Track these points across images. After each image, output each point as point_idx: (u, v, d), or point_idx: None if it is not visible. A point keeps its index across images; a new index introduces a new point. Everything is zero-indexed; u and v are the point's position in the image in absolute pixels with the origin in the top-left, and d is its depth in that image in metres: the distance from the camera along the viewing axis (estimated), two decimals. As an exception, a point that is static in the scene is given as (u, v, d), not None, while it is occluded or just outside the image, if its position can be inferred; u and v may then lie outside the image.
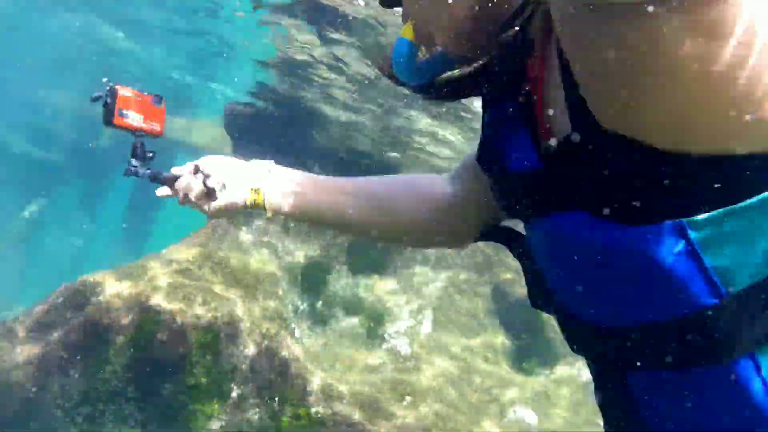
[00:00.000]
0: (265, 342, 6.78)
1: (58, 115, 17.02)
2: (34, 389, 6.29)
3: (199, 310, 6.29)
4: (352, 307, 9.22)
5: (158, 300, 6.18)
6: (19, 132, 18.65)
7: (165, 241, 8.04)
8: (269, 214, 1.51)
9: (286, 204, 1.49)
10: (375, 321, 9.20)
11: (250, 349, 6.64)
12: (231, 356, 6.52)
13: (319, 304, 8.98)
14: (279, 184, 1.50)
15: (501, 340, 9.99)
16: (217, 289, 6.72)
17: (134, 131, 1.73)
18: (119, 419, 6.71)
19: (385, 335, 9.22)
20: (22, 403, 6.34)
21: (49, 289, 7.08)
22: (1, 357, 6.59)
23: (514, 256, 1.28)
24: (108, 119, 1.71)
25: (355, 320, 9.13)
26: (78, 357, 6.37)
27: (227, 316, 6.46)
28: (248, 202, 1.55)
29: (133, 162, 1.75)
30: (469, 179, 1.37)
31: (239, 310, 6.68)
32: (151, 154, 1.77)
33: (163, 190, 1.75)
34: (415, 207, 1.44)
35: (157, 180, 1.73)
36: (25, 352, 6.48)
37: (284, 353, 6.96)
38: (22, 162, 18.09)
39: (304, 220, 1.62)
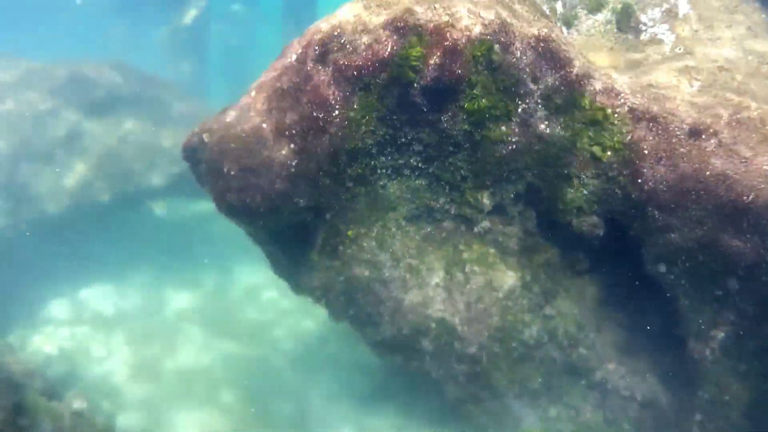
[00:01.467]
0: (541, 45, 5.66)
1: None
2: (295, 161, 5.63)
3: (466, 21, 5.20)
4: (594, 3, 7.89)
5: (418, 18, 5.12)
6: None
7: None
8: None
9: None
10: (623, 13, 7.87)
11: (528, 56, 5.56)
12: (509, 67, 5.48)
13: (558, 5, 7.72)
14: None
15: None
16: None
17: None
18: (395, 170, 6.02)
19: (640, 25, 7.90)
20: (285, 179, 5.75)
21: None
22: (252, 135, 5.92)
23: None
24: None
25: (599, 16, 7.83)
26: (335, 113, 5.57)
27: (496, 23, 5.34)
28: None
29: None
30: None
31: (504, 14, 5.54)
32: None
33: None
34: None
35: None
36: (272, 125, 5.78)
37: (563, 53, 5.86)
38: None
39: None
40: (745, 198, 5.25)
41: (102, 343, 10.94)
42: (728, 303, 5.46)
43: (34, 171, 11.57)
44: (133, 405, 9.59)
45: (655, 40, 7.62)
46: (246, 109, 5.84)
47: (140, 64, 14.40)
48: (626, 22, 7.71)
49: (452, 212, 6.04)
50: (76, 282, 12.06)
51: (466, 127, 5.54)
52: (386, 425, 8.37)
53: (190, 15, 16.97)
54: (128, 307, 11.91)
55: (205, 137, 6.08)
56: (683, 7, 7.77)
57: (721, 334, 5.61)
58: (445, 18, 5.21)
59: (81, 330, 11.25)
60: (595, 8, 7.60)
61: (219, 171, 5.82)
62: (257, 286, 12.43)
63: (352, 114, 5.51)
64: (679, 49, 7.31)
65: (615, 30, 7.65)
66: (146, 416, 9.41)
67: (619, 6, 7.67)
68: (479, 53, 5.23)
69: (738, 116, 5.69)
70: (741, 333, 5.51)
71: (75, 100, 12.09)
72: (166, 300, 12.10)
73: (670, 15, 7.64)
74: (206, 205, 13.27)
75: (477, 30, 5.24)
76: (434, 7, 5.25)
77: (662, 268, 5.84)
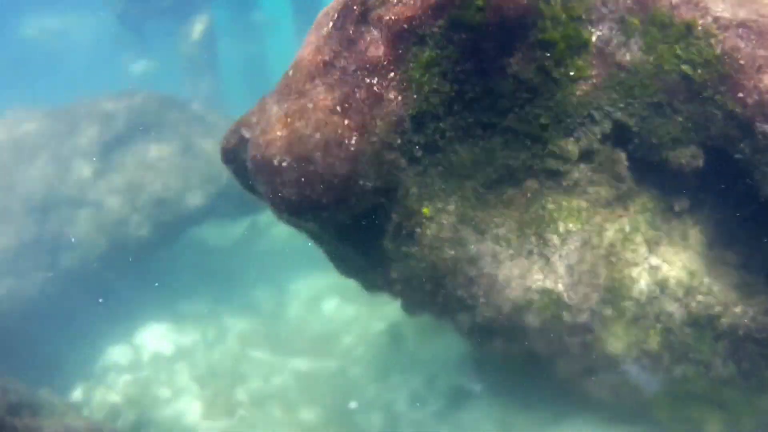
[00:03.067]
0: (607, -41, 4.95)
1: None
2: (354, 139, 4.98)
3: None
4: None
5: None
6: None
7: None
8: None
9: None
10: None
11: (596, -27, 4.84)
12: (577, -10, 4.77)
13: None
14: None
15: None
16: None
17: None
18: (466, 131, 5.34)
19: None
20: (346, 160, 5.12)
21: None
22: (300, 119, 5.28)
23: None
24: None
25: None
26: (391, 75, 4.89)
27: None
28: None
29: None
30: None
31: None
32: None
33: None
34: None
35: None
36: (320, 103, 5.13)
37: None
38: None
39: None
40: None
41: (167, 384, 10.45)
42: None
43: (66, 218, 11.10)
44: (212, 442, 9.04)
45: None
46: (287, 92, 5.20)
47: (157, 88, 14.02)
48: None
49: (535, 168, 5.35)
50: (131, 325, 11.64)
51: (541, 65, 4.84)
52: (487, 419, 7.71)
53: (197, 31, 16.60)
54: (187, 341, 11.44)
55: (246, 133, 5.44)
56: None
57: None
58: (498, -57, 4.51)
59: (143, 374, 10.81)
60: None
61: (269, 165, 5.18)
62: (315, 296, 11.92)
63: (410, 74, 4.83)
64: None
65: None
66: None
67: None
68: (543, -23, 4.54)
69: None
70: None
71: (96, 135, 11.62)
72: (225, 328, 11.63)
73: None
74: (250, 222, 12.87)
75: (536, -49, 4.54)
76: (482, -66, 4.56)
77: (786, 188, 5.11)
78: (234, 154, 5.83)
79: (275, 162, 5.26)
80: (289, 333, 11.37)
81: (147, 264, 11.96)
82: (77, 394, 10.57)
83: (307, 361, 10.59)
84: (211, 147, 11.74)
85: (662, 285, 5.77)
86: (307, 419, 9.34)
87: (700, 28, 5.26)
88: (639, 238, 5.81)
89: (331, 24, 5.11)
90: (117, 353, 11.63)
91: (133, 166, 11.87)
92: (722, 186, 5.70)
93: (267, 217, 11.23)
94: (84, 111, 12.42)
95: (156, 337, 11.85)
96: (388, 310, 9.00)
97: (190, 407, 10.02)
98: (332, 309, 11.75)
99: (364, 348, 10.45)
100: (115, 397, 10.35)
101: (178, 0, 17.08)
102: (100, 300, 11.04)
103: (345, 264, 6.40)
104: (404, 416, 8.59)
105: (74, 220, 11.44)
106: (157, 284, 11.78)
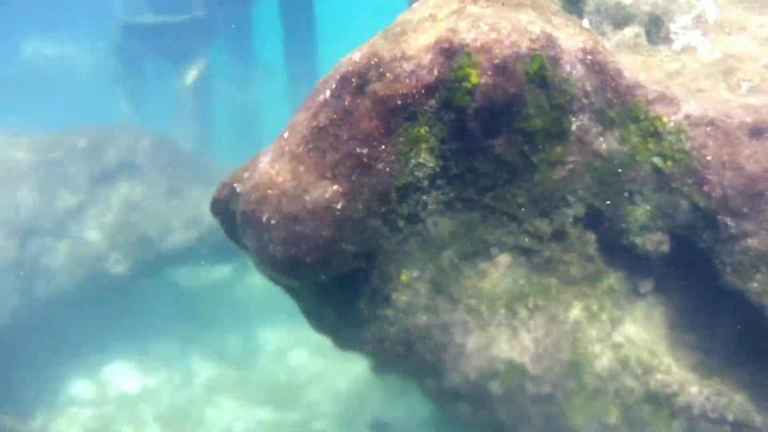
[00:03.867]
0: (589, 57, 5.34)
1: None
2: (340, 204, 5.24)
3: (514, 37, 4.87)
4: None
5: (463, 38, 4.78)
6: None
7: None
8: None
9: None
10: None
11: (578, 70, 5.22)
12: (561, 83, 5.14)
13: (584, 22, 7.47)
14: None
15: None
16: (508, 14, 5.25)
17: None
18: (447, 205, 5.63)
19: (671, 35, 7.66)
20: (331, 224, 5.36)
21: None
22: (290, 179, 5.54)
23: None
24: None
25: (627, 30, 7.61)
26: (381, 147, 5.20)
27: (543, 38, 5.02)
28: None
29: None
30: None
31: (548, 29, 5.23)
32: None
33: None
34: None
35: None
36: (312, 167, 5.40)
37: (612, 64, 5.55)
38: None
39: None
40: None
41: (129, 422, 10.43)
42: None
43: (46, 245, 11.18)
44: (170, 486, 9.02)
45: (689, 48, 7.36)
46: (280, 152, 5.47)
47: (148, 125, 14.23)
48: (656, 33, 7.46)
49: (509, 244, 5.62)
50: (98, 359, 11.64)
51: (521, 149, 5.16)
52: (447, 482, 7.83)
53: (192, 76, 16.89)
54: (154, 382, 11.45)
55: (238, 187, 5.68)
56: (712, 12, 7.54)
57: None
58: (493, 35, 4.87)
59: (106, 409, 10.79)
60: (622, 22, 7.36)
61: (258, 221, 5.41)
62: (285, 348, 12.05)
63: (399, 147, 5.12)
64: (718, 53, 7.05)
65: (645, 43, 7.40)
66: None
67: (647, 18, 7.42)
68: (531, 70, 4.89)
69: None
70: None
71: (84, 168, 11.78)
72: (192, 371, 11.65)
73: (701, 21, 7.40)
74: (225, 269, 13.00)
75: (526, 45, 4.92)
76: (478, 25, 4.92)
77: (742, 278, 5.44)
78: (224, 206, 6.04)
79: (264, 219, 5.49)
80: (256, 382, 11.42)
81: (121, 301, 12.00)
82: (37, 423, 10.50)
83: (271, 411, 10.63)
84: (197, 192, 11.91)
85: (624, 362, 6.03)
86: (266, 470, 9.37)
87: (672, 124, 5.64)
88: (604, 316, 6.09)
89: (328, 92, 5.40)
90: (81, 386, 11.58)
91: (117, 202, 11.98)
92: (686, 272, 6.01)
93: (244, 265, 11.39)
94: (75, 141, 12.56)
95: (122, 374, 11.83)
96: (355, 368, 9.13)
97: (150, 449, 9.99)
98: (301, 361, 11.85)
99: (329, 403, 10.54)
100: (75, 430, 10.30)
101: (177, 41, 17.36)
102: (74, 327, 11.03)
103: (319, 321, 6.58)
104: (364, 474, 8.67)
105: (53, 250, 11.49)
106: (129, 321, 11.81)
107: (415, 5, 6.02)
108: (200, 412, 10.97)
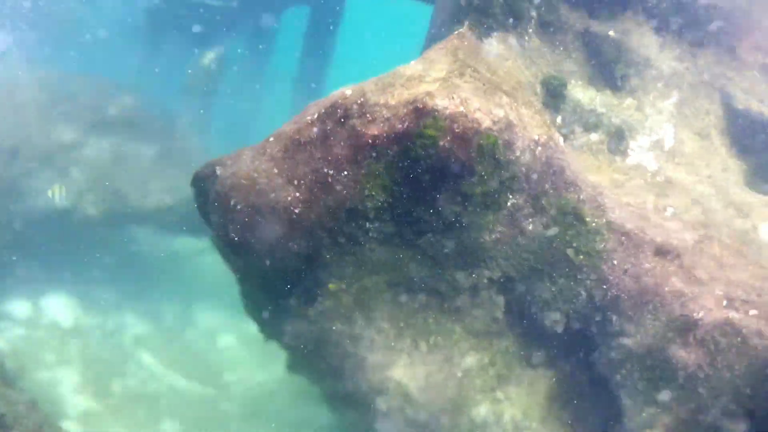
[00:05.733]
0: (539, 149, 6.25)
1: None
2: (298, 210, 6.08)
3: (478, 114, 5.79)
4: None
5: (436, 103, 5.69)
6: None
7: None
8: None
9: None
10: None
11: (526, 156, 6.14)
12: (508, 163, 6.04)
13: (558, 119, 8.39)
14: None
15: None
16: (483, 95, 6.17)
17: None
18: (386, 237, 6.46)
19: (629, 150, 8.62)
20: (285, 223, 6.17)
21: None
22: (263, 177, 6.37)
23: None
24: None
25: (594, 136, 8.52)
26: (344, 173, 6.07)
27: (504, 121, 5.94)
28: None
29: None
30: None
31: (512, 116, 6.14)
32: None
33: None
34: None
35: None
36: (284, 172, 6.24)
37: (558, 160, 6.45)
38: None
39: None
40: (695, 315, 5.82)
41: (55, 351, 10.99)
42: (666, 407, 5.91)
43: (30, 170, 11.80)
44: (74, 417, 9.64)
45: (639, 166, 8.30)
46: (262, 152, 6.31)
47: (155, 93, 14.84)
48: (617, 145, 8.38)
49: (429, 286, 6.45)
50: (43, 287, 12.17)
51: (459, 209, 6.02)
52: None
53: (209, 57, 17.57)
54: (87, 322, 12.03)
55: (218, 170, 6.51)
56: (669, 141, 8.50)
57: (656, 437, 6.03)
58: (461, 108, 5.77)
59: (36, 334, 11.33)
60: (591, 127, 8.26)
61: (226, 204, 6.23)
62: (216, 329, 12.66)
63: (359, 177, 5.97)
64: (660, 177, 7.97)
65: (606, 150, 8.30)
66: (84, 430, 9.46)
67: (614, 129, 8.34)
68: (485, 144, 5.77)
69: (702, 244, 6.30)
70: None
71: (87, 113, 12.46)
72: (125, 323, 12.26)
73: (658, 146, 8.35)
74: (186, 243, 13.65)
75: (486, 124, 5.80)
76: (452, 96, 5.82)
77: (612, 369, 6.29)
78: (202, 182, 6.85)
79: (232, 203, 6.33)
80: (180, 350, 11.98)
81: (83, 240, 12.56)
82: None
83: (186, 381, 11.22)
84: (180, 164, 12.58)
85: (498, 416, 6.84)
86: (165, 429, 9.98)
87: (594, 224, 6.54)
88: (492, 372, 6.92)
89: (316, 115, 6.27)
90: (19, 306, 12.07)
91: (107, 151, 12.65)
92: (575, 353, 6.85)
93: (203, 244, 11.97)
94: (85, 86, 13.24)
95: (60, 307, 12.34)
96: (275, 367, 9.68)
97: (67, 379, 10.55)
98: (227, 345, 12.45)
99: (241, 389, 11.16)
100: (1, 344, 10.83)
101: (205, 29, 18.03)
102: (31, 251, 11.50)
103: (253, 305, 7.37)
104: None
105: (36, 177, 12.10)
106: (84, 260, 12.38)
107: (413, 62, 6.93)
108: (122, 362, 11.52)
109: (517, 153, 6.13)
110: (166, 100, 16.57)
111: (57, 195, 10.98)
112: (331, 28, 19.29)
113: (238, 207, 6.11)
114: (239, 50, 20.41)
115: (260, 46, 20.37)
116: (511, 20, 7.65)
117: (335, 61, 20.11)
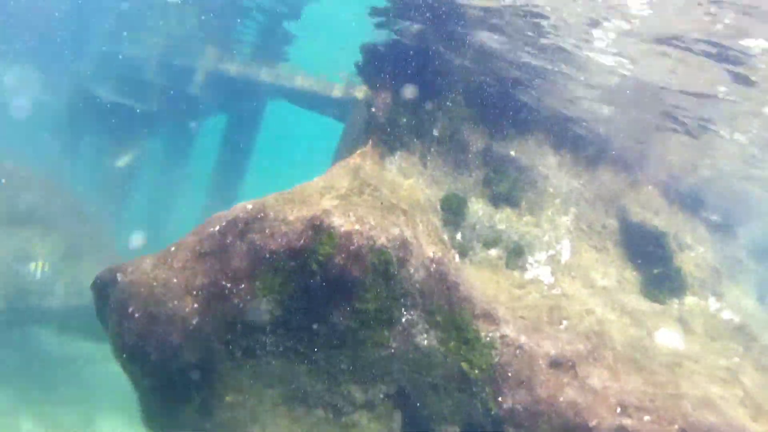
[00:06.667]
0: (434, 266, 6.53)
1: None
2: (195, 320, 6.15)
3: (373, 232, 6.05)
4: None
5: (332, 221, 5.94)
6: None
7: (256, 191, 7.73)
8: None
9: None
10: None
11: (420, 273, 6.40)
12: (402, 280, 6.28)
13: (459, 235, 8.73)
14: None
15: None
16: (380, 213, 6.47)
17: None
18: (282, 351, 6.55)
19: (527, 265, 8.98)
20: (182, 334, 6.22)
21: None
22: (162, 286, 6.44)
23: None
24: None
25: (493, 251, 8.87)
26: (242, 286, 6.19)
27: (399, 239, 6.21)
28: None
29: None
30: None
31: (407, 233, 6.43)
32: None
33: None
34: None
35: None
36: (182, 282, 6.33)
37: (452, 276, 6.72)
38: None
39: None
40: (590, 423, 6.03)
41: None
42: None
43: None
44: None
45: (537, 280, 8.63)
46: (163, 261, 6.38)
47: (70, 185, 14.69)
48: (515, 260, 8.72)
49: (326, 400, 6.50)
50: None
51: (353, 324, 6.18)
52: None
53: (124, 160, 17.68)
54: (-19, 427, 11.44)
55: (119, 276, 6.52)
56: (565, 255, 8.90)
57: None
58: (357, 226, 6.01)
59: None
60: (490, 244, 8.60)
61: (124, 311, 6.23)
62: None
63: (255, 290, 6.09)
64: (556, 290, 8.32)
65: (504, 266, 8.64)
66: None
67: (512, 245, 8.71)
68: (378, 261, 5.99)
69: (595, 354, 6.58)
70: None
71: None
72: (20, 429, 11.69)
73: (554, 260, 8.73)
74: (88, 348, 13.27)
75: (381, 241, 6.04)
76: (348, 214, 6.07)
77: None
78: (103, 287, 6.84)
79: (130, 310, 6.33)
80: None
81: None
82: None
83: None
84: (87, 263, 12.42)
85: None
86: None
87: (488, 339, 6.75)
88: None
89: (218, 227, 6.41)
90: None
91: (15, 249, 12.40)
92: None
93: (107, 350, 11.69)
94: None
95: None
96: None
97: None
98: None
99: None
100: None
101: (124, 129, 18.23)
102: None
103: (150, 415, 7.23)
104: None
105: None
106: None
107: (316, 178, 7.20)
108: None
109: (411, 270, 6.36)
110: (82, 194, 16.42)
111: (39, 270, 10.73)
112: (247, 137, 19.71)
113: (136, 315, 6.12)
114: (157, 152, 20.54)
115: (178, 150, 20.59)
116: (414, 139, 8.04)
117: (251, 168, 20.44)
